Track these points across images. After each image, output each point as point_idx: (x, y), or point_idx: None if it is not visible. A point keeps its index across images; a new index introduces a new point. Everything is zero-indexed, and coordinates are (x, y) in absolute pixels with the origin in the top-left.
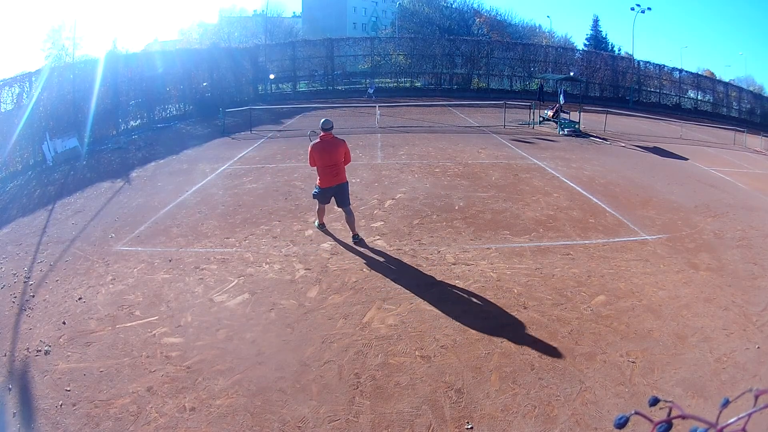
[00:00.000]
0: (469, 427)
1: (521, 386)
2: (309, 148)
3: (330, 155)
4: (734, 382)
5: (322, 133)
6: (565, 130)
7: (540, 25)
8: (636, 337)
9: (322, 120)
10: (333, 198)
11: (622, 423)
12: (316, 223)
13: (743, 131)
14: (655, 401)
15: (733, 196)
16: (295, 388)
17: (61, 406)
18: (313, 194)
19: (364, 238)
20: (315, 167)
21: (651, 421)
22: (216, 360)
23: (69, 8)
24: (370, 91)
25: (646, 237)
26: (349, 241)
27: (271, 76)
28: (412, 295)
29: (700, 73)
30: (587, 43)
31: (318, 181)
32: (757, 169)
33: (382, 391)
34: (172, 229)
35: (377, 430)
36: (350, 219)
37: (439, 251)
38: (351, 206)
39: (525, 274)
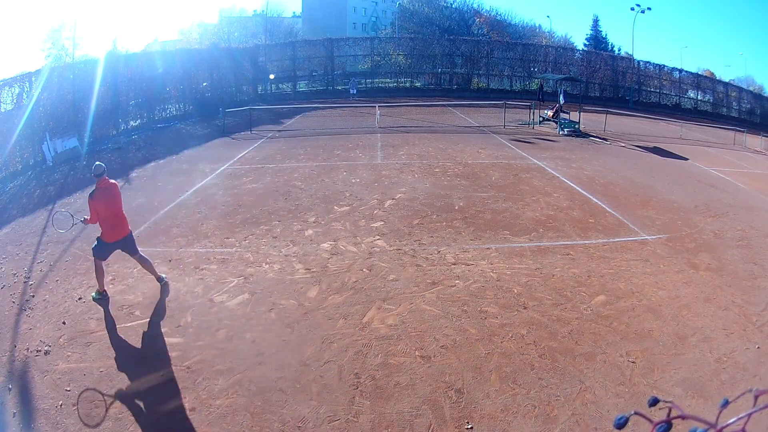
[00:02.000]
0: (469, 427)
1: (521, 386)
2: (88, 202)
3: (114, 203)
4: (734, 382)
5: (96, 180)
6: (565, 130)
7: (540, 25)
8: (636, 337)
9: (95, 164)
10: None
11: (622, 423)
12: (95, 295)
13: (743, 131)
14: (654, 401)
15: (733, 196)
16: (295, 388)
17: (61, 406)
18: (93, 250)
19: (168, 282)
20: (97, 222)
21: (651, 421)
22: (216, 360)
23: (69, 8)
24: (353, 91)
25: (646, 237)
26: (349, 241)
27: (271, 76)
28: (412, 295)
29: (700, 73)
30: (587, 43)
31: (101, 234)
32: (757, 169)
33: (382, 391)
34: (171, 229)
35: (377, 430)
36: (147, 265)
37: (439, 251)
38: (140, 253)
39: (525, 274)
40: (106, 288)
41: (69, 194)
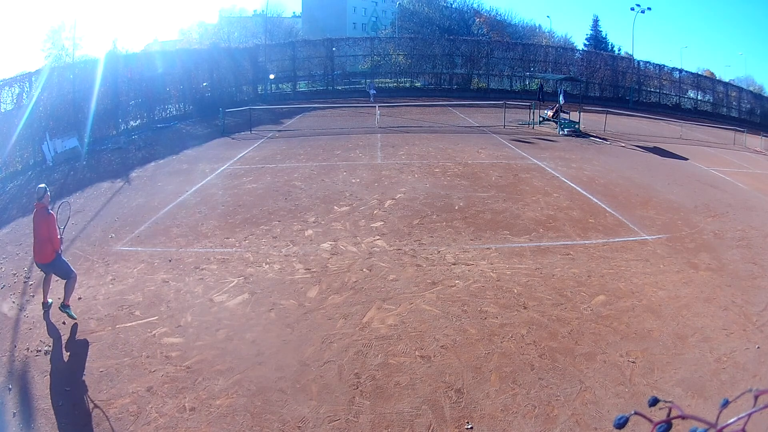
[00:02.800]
0: (469, 427)
1: (521, 386)
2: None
3: (35, 229)
4: (734, 382)
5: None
6: (565, 130)
7: (540, 25)
8: (636, 337)
9: (37, 187)
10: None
11: (621, 423)
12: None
13: (743, 131)
14: (654, 401)
15: (733, 196)
16: (295, 388)
17: (61, 406)
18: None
19: (75, 317)
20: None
21: (651, 421)
22: (216, 360)
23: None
24: (372, 91)
25: (646, 237)
26: (349, 241)
27: (271, 76)
28: (412, 295)
29: (700, 73)
30: (587, 43)
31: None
32: (757, 169)
33: (382, 391)
34: (172, 229)
35: (377, 430)
36: (68, 285)
37: (439, 251)
38: (72, 279)
39: (525, 274)
40: (46, 298)
41: (69, 194)
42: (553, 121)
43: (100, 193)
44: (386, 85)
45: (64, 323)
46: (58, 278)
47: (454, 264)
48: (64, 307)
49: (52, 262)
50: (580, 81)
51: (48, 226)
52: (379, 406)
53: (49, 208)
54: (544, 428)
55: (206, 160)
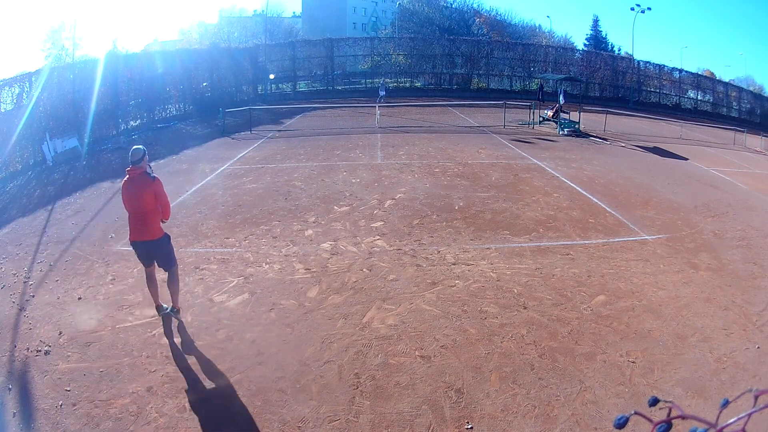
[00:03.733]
0: (469, 427)
1: (521, 386)
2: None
3: (135, 199)
4: (734, 382)
5: (129, 167)
6: (565, 130)
7: (540, 25)
8: (636, 337)
9: (132, 148)
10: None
11: (621, 423)
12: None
13: (743, 131)
14: (654, 401)
15: (733, 196)
16: (295, 388)
17: (61, 406)
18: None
19: (182, 320)
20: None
21: (651, 421)
22: (216, 360)
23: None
24: (382, 93)
25: (646, 237)
26: (349, 241)
27: (271, 76)
28: (412, 295)
29: (700, 73)
30: (587, 43)
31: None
32: (757, 169)
33: (382, 391)
34: (172, 229)
35: (377, 430)
36: (172, 286)
37: (439, 251)
38: (176, 268)
39: (525, 274)
40: (158, 301)
41: (69, 194)
42: (553, 121)
43: (100, 193)
44: (386, 85)
45: (64, 323)
46: (147, 269)
47: (454, 264)
48: (175, 312)
49: (161, 240)
50: (580, 81)
51: (155, 193)
52: (379, 406)
53: (151, 172)
54: (544, 428)
55: (206, 160)
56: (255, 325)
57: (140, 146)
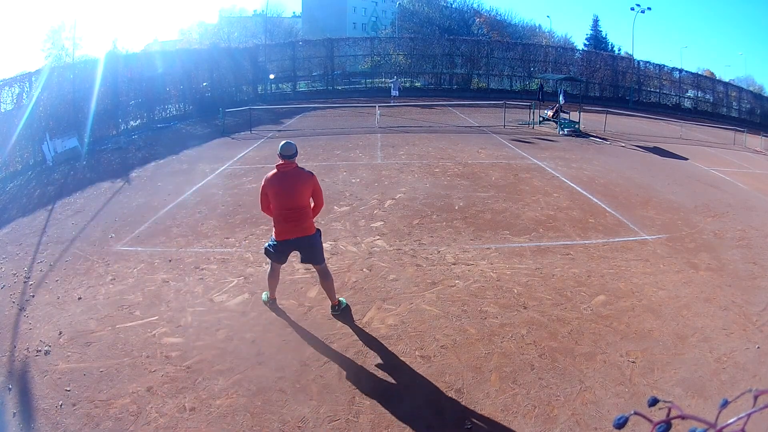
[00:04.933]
0: (469, 427)
1: (521, 386)
2: (262, 182)
3: (290, 194)
4: (734, 382)
5: (280, 161)
6: (565, 130)
7: (540, 25)
8: (636, 337)
9: (282, 143)
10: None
11: (621, 423)
12: (265, 297)
13: (743, 131)
14: (654, 401)
15: (733, 196)
16: (295, 388)
17: (61, 406)
18: (265, 249)
19: (349, 304)
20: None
21: (650, 421)
22: (216, 360)
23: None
24: (395, 93)
25: (646, 237)
26: (349, 241)
27: (271, 76)
28: (412, 295)
29: (700, 73)
30: (587, 43)
31: (273, 231)
32: (757, 169)
33: (382, 391)
34: (172, 229)
35: (377, 430)
36: (326, 282)
37: (439, 251)
38: (325, 263)
39: (525, 274)
40: (274, 294)
41: (69, 194)
42: (553, 121)
43: (100, 193)
44: (386, 85)
45: (64, 323)
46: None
47: (454, 264)
48: (335, 308)
49: (316, 235)
50: (580, 81)
51: (314, 188)
52: (379, 406)
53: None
54: (544, 428)
55: (206, 160)
56: (255, 325)
57: (291, 141)
